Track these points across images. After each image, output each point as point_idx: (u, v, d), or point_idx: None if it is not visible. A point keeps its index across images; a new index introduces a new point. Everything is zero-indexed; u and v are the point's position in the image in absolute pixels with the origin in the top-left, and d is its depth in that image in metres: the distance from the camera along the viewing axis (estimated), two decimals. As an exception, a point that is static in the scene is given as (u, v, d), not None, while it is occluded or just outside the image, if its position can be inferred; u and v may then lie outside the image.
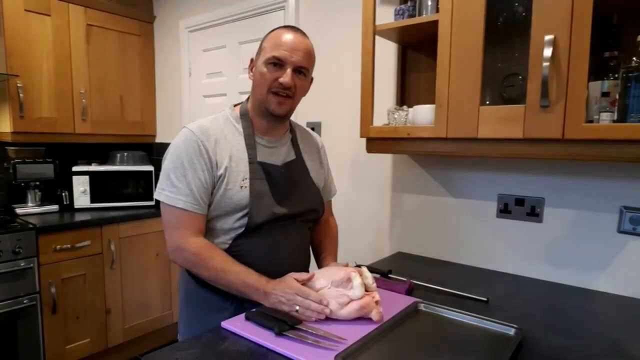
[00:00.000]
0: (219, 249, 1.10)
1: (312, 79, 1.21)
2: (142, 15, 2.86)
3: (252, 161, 1.13)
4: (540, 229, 1.47)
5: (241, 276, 1.05)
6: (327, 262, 1.27)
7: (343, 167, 2.00)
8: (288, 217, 1.16)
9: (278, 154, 1.20)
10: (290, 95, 1.11)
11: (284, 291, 1.01)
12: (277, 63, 1.09)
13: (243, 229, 1.10)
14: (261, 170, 1.13)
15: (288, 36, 1.10)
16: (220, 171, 1.09)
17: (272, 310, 1.00)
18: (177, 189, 1.07)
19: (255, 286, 1.03)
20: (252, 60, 1.17)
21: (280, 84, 1.08)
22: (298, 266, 1.17)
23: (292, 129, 1.28)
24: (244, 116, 1.17)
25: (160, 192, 1.09)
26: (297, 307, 0.99)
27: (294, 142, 1.26)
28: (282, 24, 1.35)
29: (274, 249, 1.15)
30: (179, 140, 1.10)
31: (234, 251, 1.10)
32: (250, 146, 1.14)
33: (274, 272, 1.07)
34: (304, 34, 1.14)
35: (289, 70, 1.08)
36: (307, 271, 1.21)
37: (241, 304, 1.12)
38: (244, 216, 1.10)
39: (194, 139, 1.08)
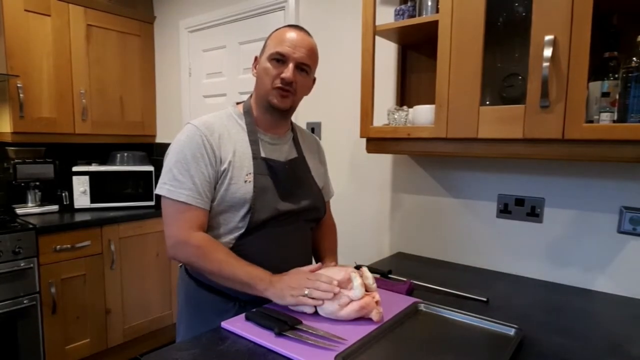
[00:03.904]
0: (222, 244, 1.10)
1: (314, 79, 1.21)
2: (142, 16, 2.86)
3: (255, 157, 1.12)
4: (540, 229, 1.47)
5: (246, 267, 1.04)
6: (327, 264, 1.26)
7: (343, 167, 2.00)
8: (291, 215, 1.16)
9: (281, 151, 1.20)
10: (292, 91, 1.11)
11: (292, 277, 1.02)
12: (280, 59, 1.09)
13: (246, 227, 1.09)
14: (265, 166, 1.13)
15: (292, 34, 1.11)
16: (224, 166, 1.09)
17: (273, 311, 1.00)
18: (179, 183, 1.06)
19: (260, 276, 1.03)
20: (256, 58, 1.18)
21: (283, 79, 1.09)
22: (301, 265, 1.16)
23: (293, 128, 1.28)
24: (247, 113, 1.17)
25: (162, 187, 1.08)
26: (307, 290, 0.98)
27: (296, 141, 1.26)
28: (283, 24, 1.35)
29: (277, 248, 1.14)
30: (182, 136, 1.10)
31: (237, 251, 1.09)
32: (254, 142, 1.14)
33: (277, 271, 1.06)
34: (307, 32, 1.15)
35: (290, 66, 1.09)
36: None
37: (244, 305, 1.11)
38: (247, 213, 1.09)
39: (197, 134, 1.08)
